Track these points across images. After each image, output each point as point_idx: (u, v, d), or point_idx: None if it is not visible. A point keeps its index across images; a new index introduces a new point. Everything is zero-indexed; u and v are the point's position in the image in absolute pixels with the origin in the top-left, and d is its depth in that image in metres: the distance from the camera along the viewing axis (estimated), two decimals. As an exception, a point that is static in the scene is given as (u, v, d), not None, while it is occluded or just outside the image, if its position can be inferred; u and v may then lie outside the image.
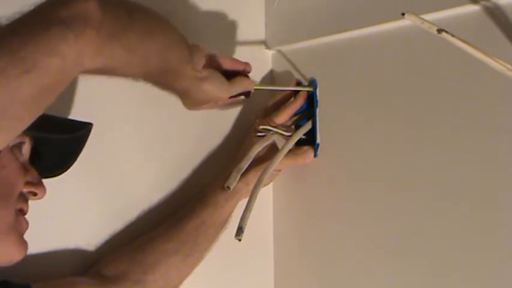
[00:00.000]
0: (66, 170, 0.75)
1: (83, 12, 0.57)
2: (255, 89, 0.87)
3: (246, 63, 0.85)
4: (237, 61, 0.85)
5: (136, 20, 0.65)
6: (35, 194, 0.72)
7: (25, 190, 0.71)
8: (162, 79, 0.74)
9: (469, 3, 0.67)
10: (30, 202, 0.74)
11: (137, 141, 0.88)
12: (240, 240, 0.76)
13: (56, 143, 0.70)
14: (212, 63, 0.80)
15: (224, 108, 0.92)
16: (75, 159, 0.75)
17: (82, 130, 0.74)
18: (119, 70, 0.66)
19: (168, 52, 0.71)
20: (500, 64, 0.57)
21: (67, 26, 0.55)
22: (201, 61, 0.77)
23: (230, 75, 0.83)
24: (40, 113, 0.56)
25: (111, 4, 0.61)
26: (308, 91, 0.91)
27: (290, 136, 0.89)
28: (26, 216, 0.72)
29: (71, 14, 0.56)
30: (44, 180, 0.74)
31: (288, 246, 0.97)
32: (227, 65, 0.83)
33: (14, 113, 0.52)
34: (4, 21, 0.57)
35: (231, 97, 0.83)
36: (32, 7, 0.57)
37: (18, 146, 0.69)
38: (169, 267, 0.83)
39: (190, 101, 0.80)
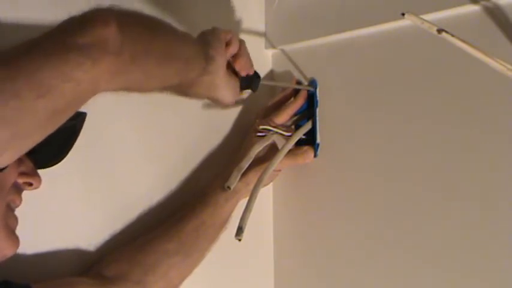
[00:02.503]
0: (61, 160, 0.74)
1: (102, 39, 0.56)
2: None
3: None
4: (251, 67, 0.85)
5: (156, 43, 0.65)
6: (30, 185, 0.72)
7: (20, 181, 0.71)
8: (176, 90, 0.75)
9: (469, 3, 0.67)
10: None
11: (137, 141, 0.88)
12: (240, 240, 0.76)
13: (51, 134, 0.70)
14: (232, 62, 0.81)
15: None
16: (70, 149, 0.74)
17: (75, 119, 0.74)
18: (136, 90, 0.66)
19: (185, 70, 0.71)
20: (500, 64, 0.58)
21: (84, 53, 0.55)
22: (221, 68, 0.77)
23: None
24: (51, 131, 0.56)
25: (131, 28, 0.60)
26: (308, 91, 0.91)
27: (290, 136, 0.89)
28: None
29: (89, 41, 0.55)
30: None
31: (288, 246, 0.97)
32: (245, 71, 0.83)
33: (26, 133, 0.53)
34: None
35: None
36: (51, 29, 0.57)
37: None
38: (170, 267, 0.83)
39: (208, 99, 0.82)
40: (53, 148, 0.74)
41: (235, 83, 0.82)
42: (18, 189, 0.71)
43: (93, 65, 0.55)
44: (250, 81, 0.85)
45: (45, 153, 0.73)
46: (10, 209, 0.70)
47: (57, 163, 0.75)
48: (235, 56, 0.82)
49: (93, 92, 0.58)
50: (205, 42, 0.77)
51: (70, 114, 0.57)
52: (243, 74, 0.83)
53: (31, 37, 0.56)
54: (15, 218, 0.71)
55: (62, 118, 0.56)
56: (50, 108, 0.53)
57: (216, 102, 0.83)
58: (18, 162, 0.70)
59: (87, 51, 0.55)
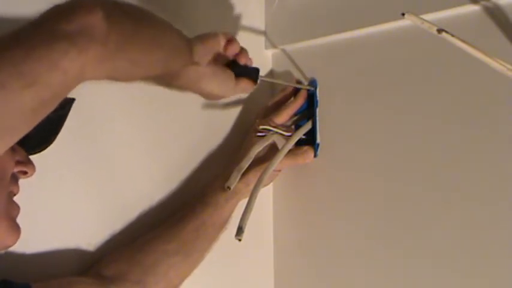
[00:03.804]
0: (49, 145, 0.74)
1: (88, 26, 0.56)
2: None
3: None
4: (247, 56, 0.85)
5: (141, 31, 0.65)
6: (25, 173, 0.72)
7: (15, 170, 0.70)
8: (161, 81, 0.75)
9: (469, 3, 0.67)
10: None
11: (137, 141, 0.88)
12: (240, 240, 0.76)
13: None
14: (221, 56, 0.81)
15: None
16: (57, 134, 0.74)
17: (67, 107, 0.74)
18: (122, 78, 0.66)
19: (170, 60, 0.71)
20: (500, 64, 0.58)
21: (70, 41, 0.55)
22: (205, 58, 0.77)
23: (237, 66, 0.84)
24: (38, 122, 0.56)
25: (116, 16, 0.60)
26: (308, 90, 0.91)
27: (290, 136, 0.89)
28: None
29: (75, 28, 0.55)
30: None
31: (288, 246, 0.97)
32: (241, 60, 0.84)
33: (13, 124, 0.53)
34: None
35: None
36: (36, 18, 0.56)
37: None
38: (170, 267, 0.83)
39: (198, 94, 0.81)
40: (42, 134, 0.73)
41: (227, 76, 0.82)
42: (15, 178, 0.71)
43: (80, 53, 0.55)
44: (250, 71, 0.85)
45: (34, 139, 0.73)
46: (11, 198, 0.70)
47: (45, 149, 0.74)
48: (239, 54, 0.83)
49: (79, 81, 0.57)
50: (196, 37, 0.78)
51: (56, 104, 0.57)
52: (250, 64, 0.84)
53: (15, 28, 0.55)
54: (17, 206, 0.71)
55: (49, 108, 0.56)
56: (37, 98, 0.53)
57: (207, 97, 0.83)
58: (12, 151, 0.70)
59: (73, 39, 0.55)
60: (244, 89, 0.86)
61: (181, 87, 0.79)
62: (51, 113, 0.67)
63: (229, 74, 0.83)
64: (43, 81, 0.53)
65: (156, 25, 0.69)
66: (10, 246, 0.70)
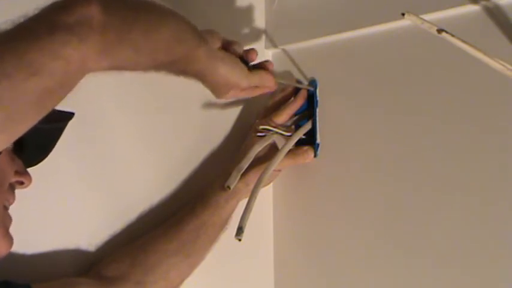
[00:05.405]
0: (44, 158, 0.74)
1: (86, 17, 0.57)
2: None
3: (267, 61, 0.85)
4: (254, 53, 0.83)
5: (141, 18, 0.65)
6: (21, 183, 0.72)
7: (13, 180, 0.71)
8: (174, 67, 0.73)
9: (469, 3, 0.67)
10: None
11: (138, 142, 0.88)
12: (240, 240, 0.76)
13: (39, 132, 0.70)
14: (228, 48, 0.79)
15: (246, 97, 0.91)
16: (53, 148, 0.74)
17: (66, 120, 0.74)
18: (127, 68, 0.66)
19: (177, 43, 0.70)
20: (500, 64, 0.58)
21: (70, 31, 0.56)
22: (216, 43, 0.77)
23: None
24: (43, 115, 0.57)
25: (114, 6, 0.61)
26: (308, 90, 0.91)
27: (290, 136, 0.89)
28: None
29: (74, 19, 0.57)
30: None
31: (288, 246, 0.97)
32: (247, 57, 0.82)
33: (19, 114, 0.53)
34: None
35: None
36: (36, 11, 0.57)
37: None
38: (170, 267, 0.83)
39: (210, 85, 0.77)
40: (39, 147, 0.74)
41: (236, 60, 0.79)
42: (12, 188, 0.71)
43: (80, 42, 0.56)
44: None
45: (32, 151, 0.73)
46: (5, 208, 0.70)
47: (40, 161, 0.75)
48: (246, 52, 0.81)
49: (83, 72, 0.58)
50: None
51: (62, 94, 0.57)
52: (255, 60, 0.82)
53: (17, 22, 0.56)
54: (10, 217, 0.71)
55: (54, 99, 0.57)
56: (41, 88, 0.54)
57: (221, 84, 0.78)
58: (12, 161, 0.70)
59: (73, 29, 0.56)
60: (263, 79, 0.82)
61: (198, 73, 0.75)
62: (48, 124, 0.68)
63: (237, 60, 0.79)
64: (46, 70, 0.54)
65: (156, 11, 0.68)
66: (1, 256, 0.70)
